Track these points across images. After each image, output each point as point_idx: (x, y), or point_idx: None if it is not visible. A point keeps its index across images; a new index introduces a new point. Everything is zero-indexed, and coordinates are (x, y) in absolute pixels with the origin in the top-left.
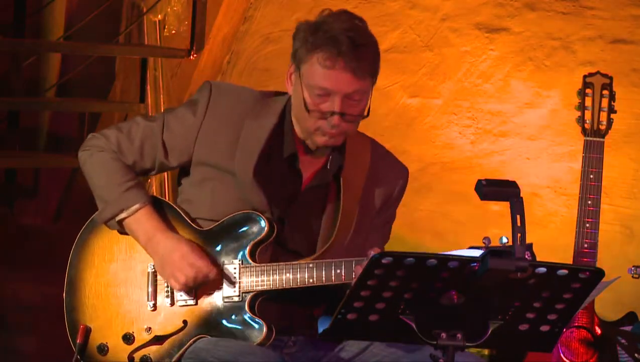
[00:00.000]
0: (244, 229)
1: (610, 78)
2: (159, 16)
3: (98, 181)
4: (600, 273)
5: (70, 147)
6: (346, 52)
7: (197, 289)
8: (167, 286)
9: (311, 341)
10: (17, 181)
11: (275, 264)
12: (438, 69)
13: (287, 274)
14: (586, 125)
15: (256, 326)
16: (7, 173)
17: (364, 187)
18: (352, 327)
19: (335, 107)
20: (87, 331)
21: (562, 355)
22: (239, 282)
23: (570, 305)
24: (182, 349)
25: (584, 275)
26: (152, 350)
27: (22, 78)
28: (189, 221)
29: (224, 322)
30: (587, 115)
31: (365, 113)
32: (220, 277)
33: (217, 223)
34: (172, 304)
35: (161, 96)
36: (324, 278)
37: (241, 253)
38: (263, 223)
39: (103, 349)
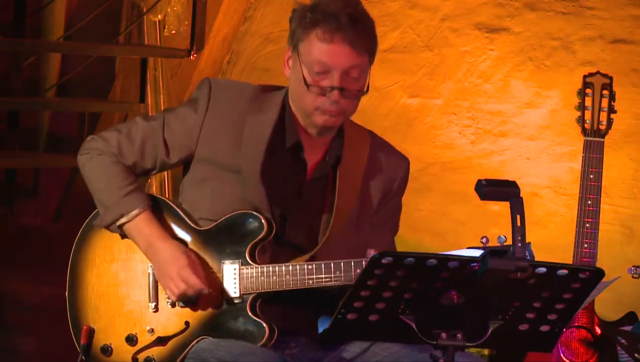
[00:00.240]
0: (243, 228)
1: (610, 78)
2: (159, 16)
3: (97, 185)
4: (600, 273)
5: (70, 147)
6: (345, 26)
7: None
8: None
9: (312, 342)
10: (17, 180)
11: (275, 265)
12: (438, 69)
13: (287, 276)
14: (586, 125)
15: (257, 327)
16: (7, 173)
17: (362, 179)
18: (352, 327)
19: (334, 82)
20: (91, 332)
21: (562, 355)
22: (240, 283)
23: (570, 305)
24: (185, 351)
25: (584, 275)
26: (156, 351)
27: (22, 78)
28: (189, 221)
29: (226, 323)
30: (587, 115)
31: (365, 89)
32: (220, 281)
33: (216, 223)
34: (174, 305)
35: (161, 96)
36: (323, 280)
37: (241, 254)
38: (262, 222)
39: (107, 350)
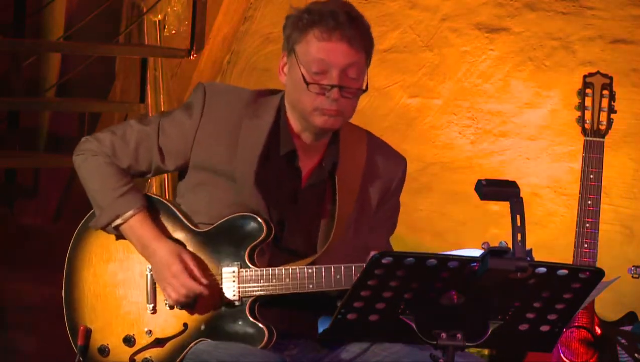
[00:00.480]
0: (242, 230)
1: (610, 78)
2: (159, 16)
3: (92, 185)
4: (600, 273)
5: (70, 147)
6: (343, 24)
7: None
8: None
9: (312, 343)
10: (17, 180)
11: (274, 268)
12: (438, 69)
13: (287, 279)
14: (586, 125)
15: (257, 330)
16: (7, 173)
17: (360, 183)
18: (352, 328)
19: (333, 80)
20: (88, 333)
21: (562, 355)
22: (238, 286)
23: (570, 305)
24: (184, 352)
25: (584, 275)
26: (154, 353)
27: (22, 78)
28: (187, 222)
29: (224, 326)
30: (587, 115)
31: (364, 87)
32: (219, 283)
33: (214, 225)
34: (172, 307)
35: (161, 96)
36: (323, 284)
37: (240, 256)
38: (260, 225)
39: (104, 350)
